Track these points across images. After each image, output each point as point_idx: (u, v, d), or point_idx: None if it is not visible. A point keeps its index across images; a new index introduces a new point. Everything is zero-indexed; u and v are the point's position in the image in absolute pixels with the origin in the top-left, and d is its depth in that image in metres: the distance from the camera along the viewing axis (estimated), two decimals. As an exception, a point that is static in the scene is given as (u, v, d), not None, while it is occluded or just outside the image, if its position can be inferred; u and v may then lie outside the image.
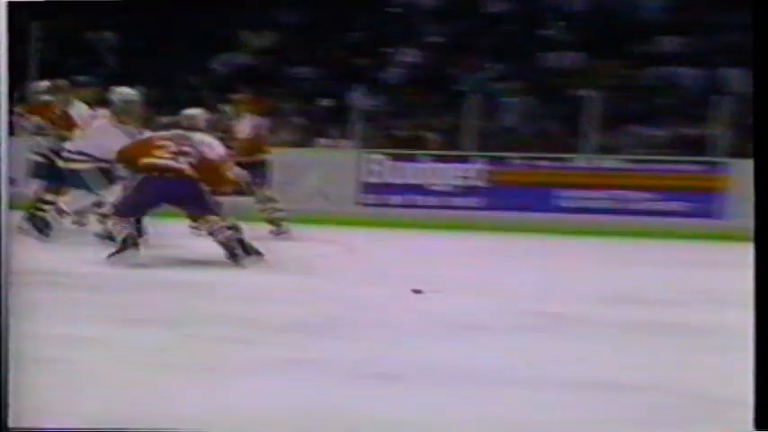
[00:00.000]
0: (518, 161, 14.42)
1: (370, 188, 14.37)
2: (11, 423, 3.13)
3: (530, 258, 10.24)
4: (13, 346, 3.44)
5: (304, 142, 15.60)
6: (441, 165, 14.38)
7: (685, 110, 15.47)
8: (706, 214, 13.52)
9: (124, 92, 9.80)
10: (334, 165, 14.54)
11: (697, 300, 7.42)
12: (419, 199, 14.28)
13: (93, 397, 3.96)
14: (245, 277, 7.80)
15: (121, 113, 9.55)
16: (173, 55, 16.85)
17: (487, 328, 5.85)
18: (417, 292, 6.92)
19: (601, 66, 16.29)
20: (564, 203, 13.97)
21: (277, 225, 11.05)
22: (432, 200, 14.26)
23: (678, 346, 5.49)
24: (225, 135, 10.35)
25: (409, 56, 17.41)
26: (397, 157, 14.55)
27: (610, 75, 16.02)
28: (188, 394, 4.14)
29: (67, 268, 7.72)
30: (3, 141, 3.37)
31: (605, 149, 14.59)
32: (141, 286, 7.24)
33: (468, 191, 14.24)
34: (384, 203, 14.23)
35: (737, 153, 13.85)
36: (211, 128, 9.59)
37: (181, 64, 16.85)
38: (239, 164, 9.73)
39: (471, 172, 14.28)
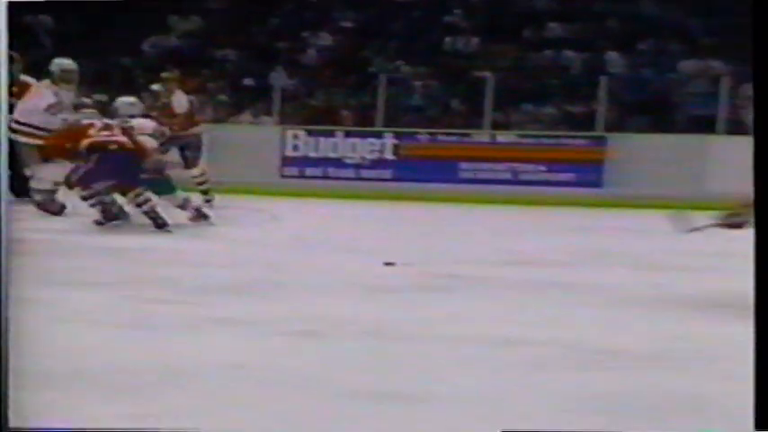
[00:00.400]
0: (423, 136, 14.49)
1: (290, 161, 14.33)
2: (11, 423, 3.04)
3: (433, 225, 10.29)
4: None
5: (229, 119, 15.50)
6: (354, 139, 14.40)
7: (571, 89, 15.63)
8: (591, 184, 13.72)
9: (63, 62, 9.92)
10: (257, 140, 14.48)
11: (582, 261, 7.52)
12: (334, 171, 14.28)
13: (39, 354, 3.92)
14: (176, 243, 7.76)
15: (60, 81, 9.63)
16: (105, 37, 16.60)
17: (398, 288, 5.85)
18: (389, 264, 6.60)
19: (496, 49, 16.38)
20: (465, 175, 14.07)
21: (206, 194, 10.97)
22: (346, 172, 14.27)
23: (563, 302, 5.54)
24: (162, 111, 10.24)
25: (324, 39, 17.35)
26: (314, 133, 14.53)
27: (504, 57, 16.13)
28: (124, 348, 4.11)
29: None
30: (2, 140, 3.21)
31: (501, 126, 14.72)
32: (82, 251, 7.16)
33: (379, 163, 14.28)
34: (303, 175, 14.21)
35: (616, 128, 14.11)
36: (150, 104, 9.56)
37: (113, 46, 16.61)
38: (177, 137, 9.68)
39: (382, 146, 14.32)
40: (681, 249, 7.05)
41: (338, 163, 14.28)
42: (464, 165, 14.09)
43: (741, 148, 4.54)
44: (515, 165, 14.06)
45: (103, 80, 14.52)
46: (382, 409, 3.30)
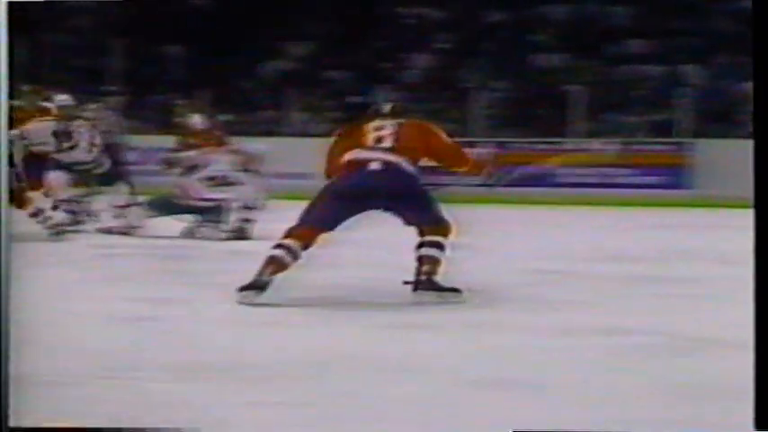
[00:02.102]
0: (519, 145, 14.39)
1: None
2: (11, 423, 2.93)
3: (534, 226, 10.21)
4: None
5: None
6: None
7: (651, 100, 15.44)
8: (676, 186, 13.52)
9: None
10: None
11: (671, 257, 7.42)
12: (436, 178, 14.22)
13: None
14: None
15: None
16: (227, 63, 16.87)
17: (508, 285, 5.74)
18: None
19: (581, 64, 16.24)
20: (559, 180, 13.95)
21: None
22: (448, 179, 14.20)
23: (659, 296, 5.47)
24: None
25: (423, 59, 17.39)
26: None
27: (588, 72, 15.98)
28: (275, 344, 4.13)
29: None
30: (2, 141, 3.02)
31: (590, 134, 14.59)
32: (222, 255, 7.21)
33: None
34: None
35: (699, 134, 13.88)
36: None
37: (233, 71, 16.86)
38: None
39: (480, 155, 14.24)
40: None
41: (440, 171, 14.24)
42: (560, 170, 13.97)
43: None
44: (607, 169, 13.91)
45: (225, 102, 14.79)
46: (497, 397, 3.24)
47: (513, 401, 3.18)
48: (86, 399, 3.15)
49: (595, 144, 14.31)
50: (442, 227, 5.07)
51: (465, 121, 15.21)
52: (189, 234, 8.25)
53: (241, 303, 4.79)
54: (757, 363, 2.76)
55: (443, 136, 5.41)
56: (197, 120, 9.27)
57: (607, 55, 16.38)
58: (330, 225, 4.99)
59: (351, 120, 17.26)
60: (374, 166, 4.99)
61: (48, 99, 9.40)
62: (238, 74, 16.88)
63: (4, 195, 3.03)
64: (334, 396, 3.23)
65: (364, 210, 5.04)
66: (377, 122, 5.21)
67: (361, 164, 5.01)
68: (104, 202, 8.94)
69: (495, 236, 8.74)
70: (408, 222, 5.12)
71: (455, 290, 4.99)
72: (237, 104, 14.54)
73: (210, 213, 8.32)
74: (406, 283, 5.10)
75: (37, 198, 8.16)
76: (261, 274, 4.84)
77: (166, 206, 8.37)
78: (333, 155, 5.24)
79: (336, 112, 16.15)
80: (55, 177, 8.67)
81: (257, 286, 4.82)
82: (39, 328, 4.13)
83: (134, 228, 8.50)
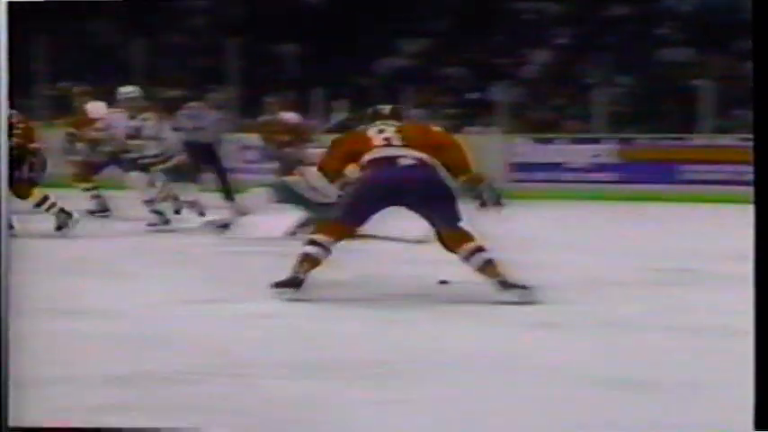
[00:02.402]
0: (643, 141, 14.10)
1: (516, 167, 14.11)
2: (11, 422, 2.95)
3: (658, 224, 9.94)
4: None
5: (456, 130, 15.49)
6: (576, 145, 14.15)
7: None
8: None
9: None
10: (484, 148, 14.35)
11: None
12: (558, 175, 13.99)
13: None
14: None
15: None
16: (343, 61, 16.89)
17: (626, 283, 5.62)
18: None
19: (708, 59, 15.88)
20: (685, 176, 13.55)
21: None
22: (569, 175, 13.96)
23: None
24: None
25: (542, 55, 17.19)
26: (538, 140, 14.38)
27: (715, 67, 15.60)
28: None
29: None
30: (3, 141, 3.02)
31: (718, 130, 14.22)
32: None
33: (602, 167, 13.93)
34: (529, 180, 13.94)
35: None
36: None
37: (349, 68, 16.88)
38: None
39: (602, 151, 13.98)
40: None
41: (561, 167, 14.00)
42: (683, 167, 13.56)
43: None
44: (735, 166, 13.45)
45: (340, 99, 14.83)
46: (620, 396, 3.20)
47: (634, 400, 3.12)
48: (213, 395, 3.19)
49: (724, 140, 13.89)
50: (465, 232, 4.96)
51: (587, 117, 14.97)
52: (300, 230, 8.07)
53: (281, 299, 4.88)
54: (757, 362, 2.81)
55: (450, 138, 5.41)
56: (290, 116, 9.28)
57: (735, 50, 15.90)
58: (360, 220, 5.12)
59: (467, 116, 17.10)
60: (405, 161, 5.03)
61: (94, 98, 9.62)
62: (354, 71, 16.89)
63: (5, 195, 3.06)
64: (458, 395, 3.21)
65: (393, 205, 5.08)
66: (379, 124, 5.23)
67: (390, 160, 5.05)
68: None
69: (609, 234, 8.56)
70: (431, 221, 5.10)
71: (523, 286, 4.87)
72: (353, 102, 14.50)
73: (325, 210, 8.16)
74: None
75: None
76: (296, 270, 4.95)
77: (288, 193, 8.15)
78: (335, 154, 5.30)
79: (453, 109, 16.07)
80: (136, 177, 8.69)
81: (294, 283, 4.94)
82: (165, 327, 4.21)
83: (232, 224, 8.39)
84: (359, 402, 3.11)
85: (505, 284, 4.85)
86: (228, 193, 9.44)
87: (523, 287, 4.86)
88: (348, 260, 5.35)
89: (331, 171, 5.27)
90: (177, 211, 8.97)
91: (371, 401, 3.12)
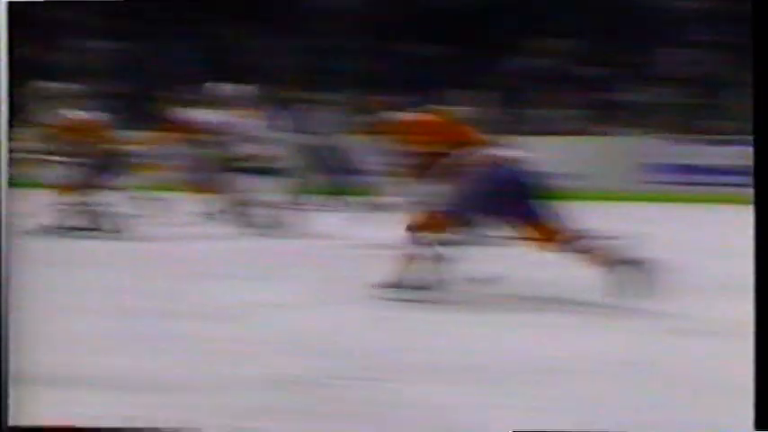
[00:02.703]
0: (784, 143, 13.69)
1: (651, 168, 13.89)
2: (11, 422, 3.00)
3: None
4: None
5: (588, 131, 15.35)
6: (715, 147, 13.86)
7: None
8: None
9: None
10: (617, 149, 14.21)
11: None
12: (695, 177, 13.71)
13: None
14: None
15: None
16: (472, 61, 16.86)
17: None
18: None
19: None
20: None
21: None
22: (706, 178, 13.68)
23: None
24: None
25: (678, 54, 16.86)
26: (674, 141, 14.13)
27: None
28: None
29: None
30: (3, 141, 3.06)
31: None
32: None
33: (740, 169, 13.60)
34: (662, 181, 13.72)
35: None
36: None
37: (481, 68, 16.84)
38: None
39: (739, 153, 13.67)
40: None
41: (698, 169, 13.73)
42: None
43: None
44: None
45: (476, 99, 14.76)
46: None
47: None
48: (336, 399, 3.23)
49: None
50: (557, 223, 4.96)
51: (729, 117, 14.64)
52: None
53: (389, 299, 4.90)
54: (757, 362, 2.78)
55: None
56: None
57: None
58: (464, 219, 5.09)
59: (605, 116, 16.82)
60: (509, 162, 5.02)
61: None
62: (487, 72, 16.83)
63: (5, 194, 3.08)
64: (567, 401, 3.22)
65: (499, 204, 5.02)
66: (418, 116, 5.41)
67: (494, 160, 5.03)
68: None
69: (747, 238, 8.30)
70: (526, 222, 5.01)
71: (634, 261, 4.83)
72: (490, 102, 14.49)
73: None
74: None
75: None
76: (402, 271, 4.99)
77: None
78: (405, 149, 5.43)
79: (591, 110, 15.91)
80: (247, 182, 8.66)
81: (399, 284, 4.98)
82: (300, 332, 4.27)
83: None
84: (503, 408, 3.14)
85: (615, 263, 4.80)
86: (340, 194, 9.28)
87: (634, 261, 4.78)
88: (478, 261, 5.34)
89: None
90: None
91: (514, 407, 3.15)
